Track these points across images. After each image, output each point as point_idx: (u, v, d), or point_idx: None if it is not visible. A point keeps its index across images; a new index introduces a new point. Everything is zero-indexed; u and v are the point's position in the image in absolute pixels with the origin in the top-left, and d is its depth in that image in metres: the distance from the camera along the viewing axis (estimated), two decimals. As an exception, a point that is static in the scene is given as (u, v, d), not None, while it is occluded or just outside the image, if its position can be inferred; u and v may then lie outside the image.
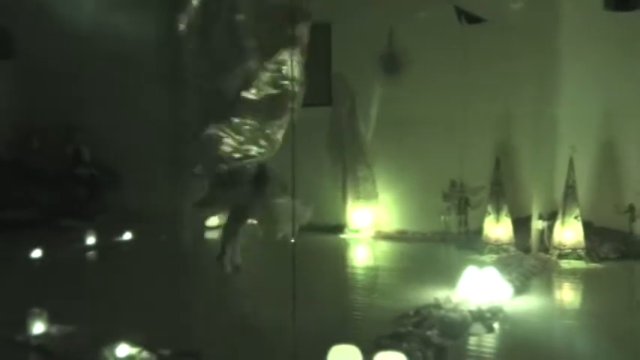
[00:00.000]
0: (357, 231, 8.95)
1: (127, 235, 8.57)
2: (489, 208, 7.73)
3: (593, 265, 7.36)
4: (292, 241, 4.96)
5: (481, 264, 6.40)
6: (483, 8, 7.38)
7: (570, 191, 7.48)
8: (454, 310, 5.22)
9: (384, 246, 8.66)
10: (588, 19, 7.89)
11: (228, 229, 5.61)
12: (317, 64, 8.88)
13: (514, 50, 7.91)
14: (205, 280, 6.75)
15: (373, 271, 7.87)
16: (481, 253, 7.66)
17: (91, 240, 8.33)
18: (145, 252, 8.17)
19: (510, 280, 6.17)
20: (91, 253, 8.29)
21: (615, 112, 8.08)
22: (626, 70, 7.96)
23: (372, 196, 8.95)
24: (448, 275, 6.19)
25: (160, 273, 7.06)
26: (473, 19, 7.44)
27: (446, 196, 8.48)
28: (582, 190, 7.79)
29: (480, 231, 7.87)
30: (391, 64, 8.74)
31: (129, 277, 7.00)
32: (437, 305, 5.43)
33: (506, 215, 7.67)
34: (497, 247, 7.63)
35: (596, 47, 8.05)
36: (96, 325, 5.12)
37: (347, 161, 9.08)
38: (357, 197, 8.94)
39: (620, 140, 8.11)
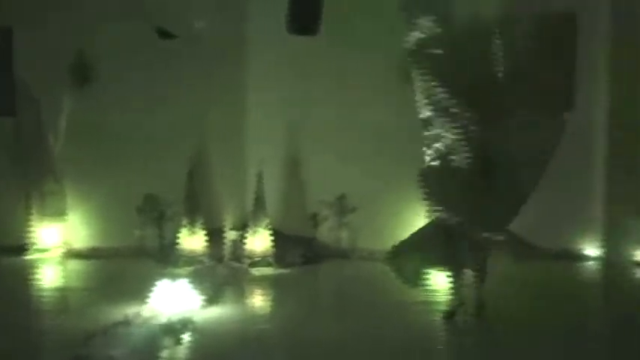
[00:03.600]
0: (44, 250, 8.31)
1: None
2: (184, 221, 7.81)
3: (281, 271, 7.82)
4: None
5: (176, 276, 6.40)
6: (175, 24, 7.43)
7: (259, 202, 7.87)
8: (143, 325, 5.14)
9: (75, 265, 8.19)
10: (275, 39, 8.34)
11: None
12: (-4, 70, 8.25)
13: (207, 66, 8.09)
14: None
15: (62, 292, 7.38)
16: (176, 265, 7.67)
17: None
18: None
19: (203, 291, 6.26)
20: None
21: (301, 128, 8.66)
22: (310, 87, 8.58)
23: (60, 212, 8.41)
24: (142, 290, 6.07)
25: None
26: (164, 34, 7.45)
27: (140, 210, 8.37)
28: (271, 201, 8.24)
29: (175, 243, 7.90)
30: (82, 74, 8.34)
31: None
32: (126, 322, 5.28)
33: (200, 227, 7.81)
34: (192, 259, 7.72)
35: (283, 64, 8.58)
36: None
37: (32, 175, 8.43)
38: (44, 214, 8.34)
39: (305, 153, 8.71)
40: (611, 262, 8.10)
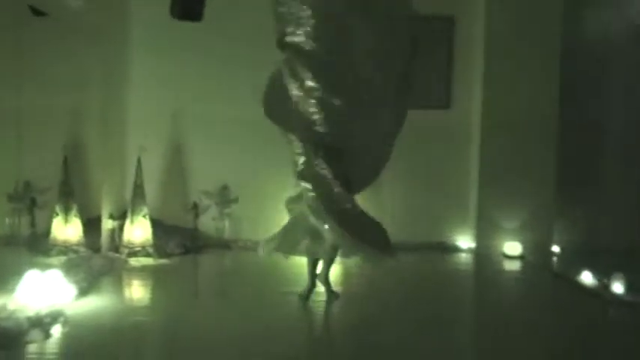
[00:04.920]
0: None
1: None
2: (57, 209, 7.50)
3: (161, 261, 7.69)
4: None
5: (48, 267, 6.14)
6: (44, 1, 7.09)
7: (138, 191, 7.70)
8: (8, 318, 4.90)
9: None
10: (157, 24, 8.18)
11: None
12: None
13: (81, 47, 7.78)
14: None
15: None
16: (49, 255, 7.37)
17: None
18: None
19: (77, 282, 6.05)
20: None
21: (182, 115, 8.56)
22: (193, 76, 8.49)
23: None
24: (10, 281, 5.78)
25: None
26: (36, 12, 7.08)
27: (11, 197, 7.98)
28: (152, 190, 8.11)
29: (48, 232, 7.57)
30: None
31: None
32: (-10, 315, 5.02)
33: (75, 215, 7.52)
34: (66, 249, 7.44)
35: (166, 51, 8.43)
36: None
37: None
38: None
39: (187, 142, 8.62)
40: (481, 253, 8.56)
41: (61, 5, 7.14)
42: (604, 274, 6.60)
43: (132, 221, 7.67)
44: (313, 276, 6.16)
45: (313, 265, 6.16)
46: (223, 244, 8.45)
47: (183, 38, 8.22)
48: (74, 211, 7.51)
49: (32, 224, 7.98)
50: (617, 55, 8.85)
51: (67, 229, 7.49)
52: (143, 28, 8.38)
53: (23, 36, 7.69)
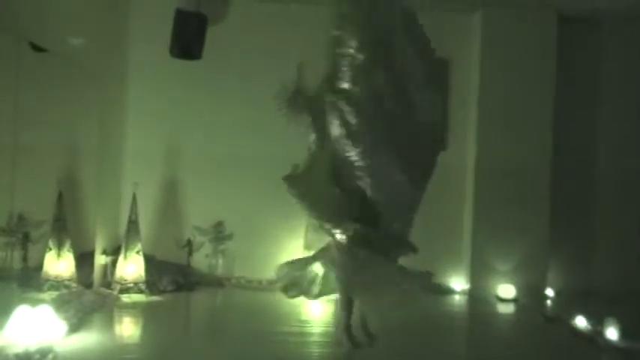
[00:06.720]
0: None
1: None
2: (50, 243, 7.46)
3: (153, 298, 7.63)
4: None
5: (39, 302, 6.08)
6: (44, 38, 7.13)
7: (133, 226, 7.68)
8: (-2, 354, 4.86)
9: None
10: (155, 61, 8.27)
11: None
12: None
13: (79, 83, 7.85)
14: None
15: None
16: (40, 290, 7.31)
17: None
18: None
19: (67, 318, 6.00)
20: None
21: (177, 152, 8.59)
22: (189, 113, 8.56)
23: None
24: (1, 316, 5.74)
25: None
26: (36, 48, 7.14)
27: (4, 231, 7.93)
28: (146, 225, 8.08)
29: (40, 267, 7.52)
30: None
31: None
32: (-22, 351, 4.97)
33: (68, 250, 7.49)
34: (58, 284, 7.39)
35: (162, 88, 8.50)
36: None
37: None
38: None
39: (182, 178, 8.63)
40: (475, 295, 8.52)
41: (60, 42, 7.20)
42: (598, 319, 6.57)
43: (125, 257, 7.64)
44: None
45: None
46: (216, 282, 8.40)
47: (180, 75, 8.31)
48: (67, 246, 7.47)
49: (24, 259, 7.92)
50: (612, 95, 8.97)
51: (59, 264, 7.43)
52: (140, 64, 8.47)
53: (21, 71, 7.75)
